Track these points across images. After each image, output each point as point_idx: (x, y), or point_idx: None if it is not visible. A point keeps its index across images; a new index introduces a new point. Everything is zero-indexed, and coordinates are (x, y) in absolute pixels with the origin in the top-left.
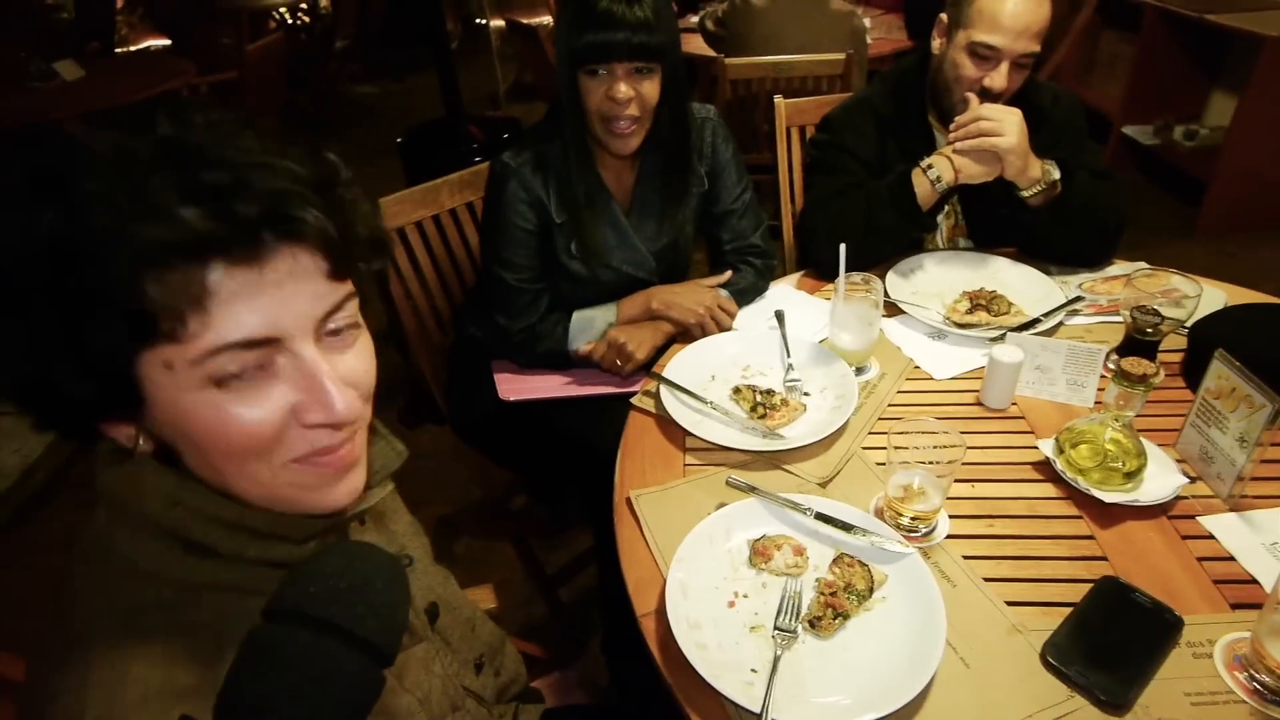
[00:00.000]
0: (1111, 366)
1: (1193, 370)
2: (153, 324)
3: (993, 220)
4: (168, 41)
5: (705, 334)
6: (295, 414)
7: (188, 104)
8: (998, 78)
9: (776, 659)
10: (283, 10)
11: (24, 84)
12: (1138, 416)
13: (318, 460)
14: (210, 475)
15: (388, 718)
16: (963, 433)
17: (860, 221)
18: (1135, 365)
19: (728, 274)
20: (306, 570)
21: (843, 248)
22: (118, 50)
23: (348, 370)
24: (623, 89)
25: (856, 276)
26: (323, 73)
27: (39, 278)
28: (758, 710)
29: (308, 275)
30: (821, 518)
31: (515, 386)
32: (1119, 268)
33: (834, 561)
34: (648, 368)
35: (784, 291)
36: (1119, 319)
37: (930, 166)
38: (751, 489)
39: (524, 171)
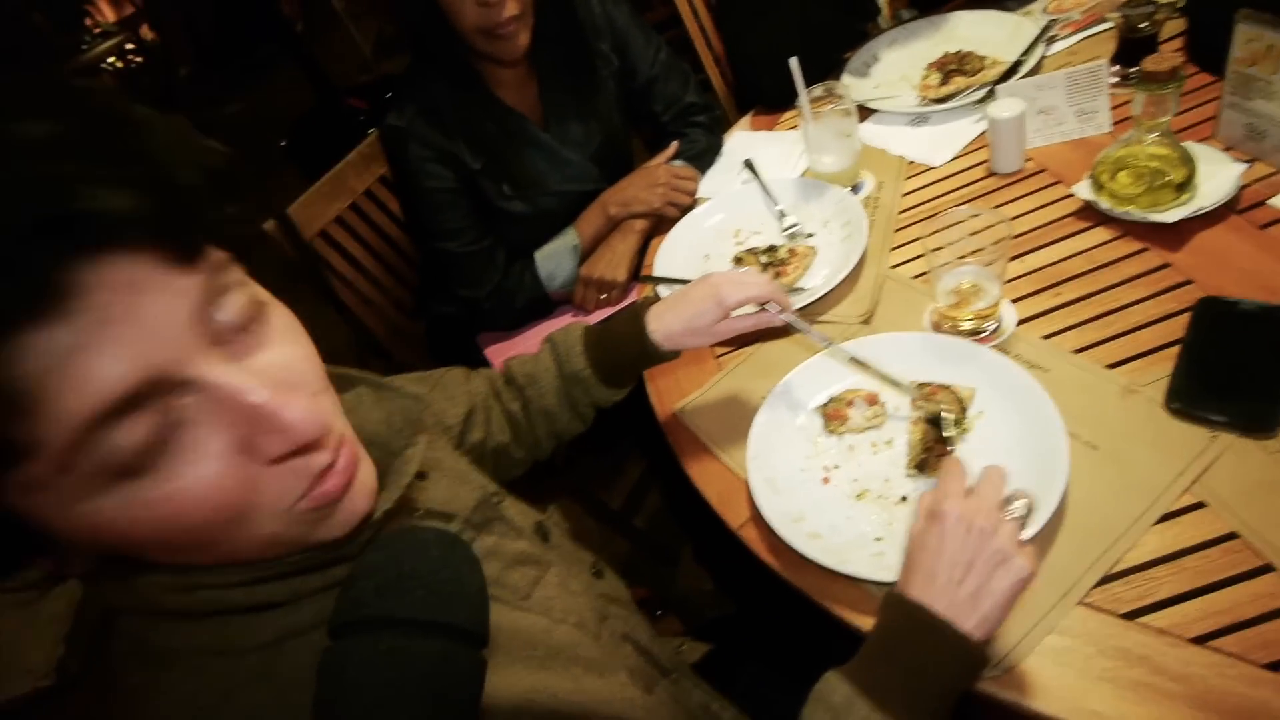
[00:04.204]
0: (1115, 80)
1: (1203, 49)
2: None
3: None
4: None
5: (677, 215)
6: (250, 454)
7: None
8: None
9: None
10: (111, 60)
11: None
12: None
13: (322, 492)
14: (202, 559)
15: (553, 655)
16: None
17: (797, 33)
18: (1159, 61)
19: (674, 145)
20: (353, 575)
21: (794, 62)
22: None
23: (279, 367)
24: None
25: (817, 89)
26: (178, 106)
27: None
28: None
29: (149, 273)
30: (857, 363)
31: (509, 353)
32: None
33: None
34: (637, 274)
35: (742, 139)
36: (1103, 27)
37: None
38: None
39: (417, 127)
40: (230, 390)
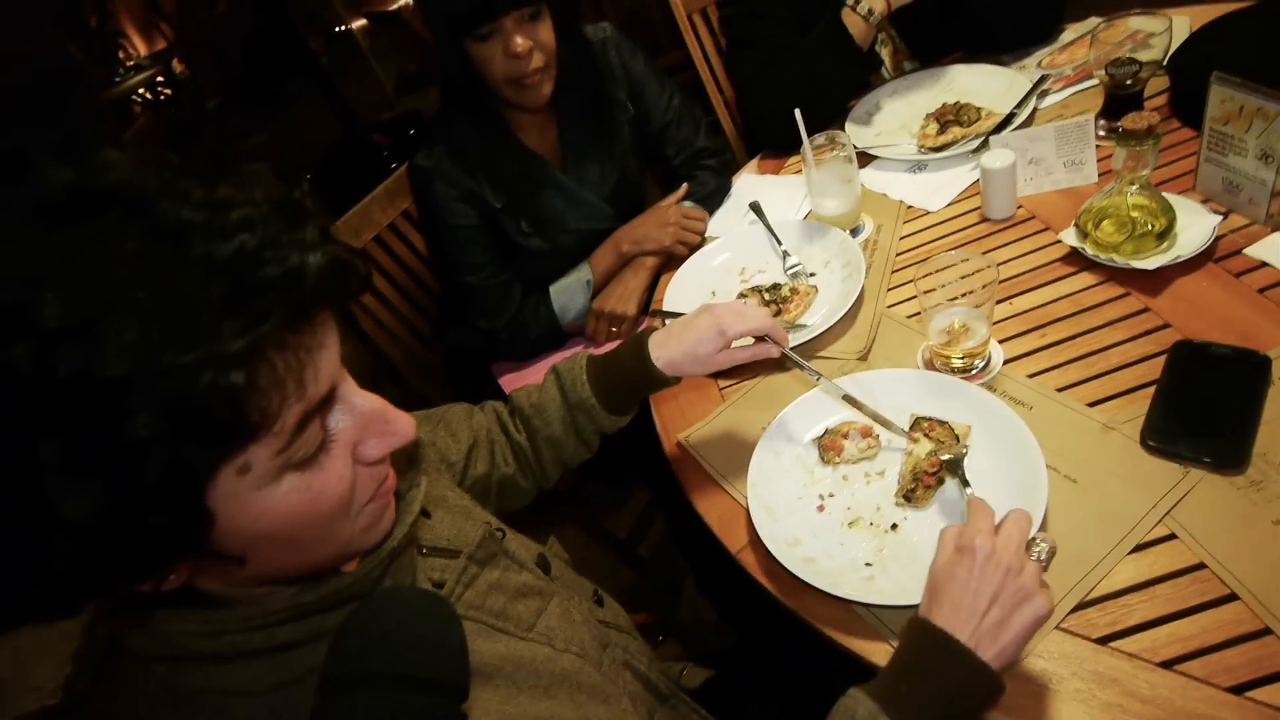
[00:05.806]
0: (1102, 134)
1: (1185, 106)
2: (234, 429)
3: (931, 29)
4: None
5: (686, 252)
6: (357, 457)
7: (75, 139)
8: None
9: None
10: (142, 92)
11: None
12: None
13: (381, 494)
14: (288, 563)
15: (557, 683)
16: (982, 253)
17: (803, 84)
18: (1137, 120)
19: (684, 187)
20: (342, 633)
21: (798, 113)
22: None
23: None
24: (519, 42)
25: (820, 137)
26: (208, 138)
27: (69, 434)
28: (888, 603)
29: (329, 315)
30: (849, 400)
31: (523, 382)
32: (1071, 33)
33: (912, 428)
34: (646, 308)
35: (749, 182)
36: (1091, 83)
37: (858, 1)
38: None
39: (444, 168)
40: (366, 402)
